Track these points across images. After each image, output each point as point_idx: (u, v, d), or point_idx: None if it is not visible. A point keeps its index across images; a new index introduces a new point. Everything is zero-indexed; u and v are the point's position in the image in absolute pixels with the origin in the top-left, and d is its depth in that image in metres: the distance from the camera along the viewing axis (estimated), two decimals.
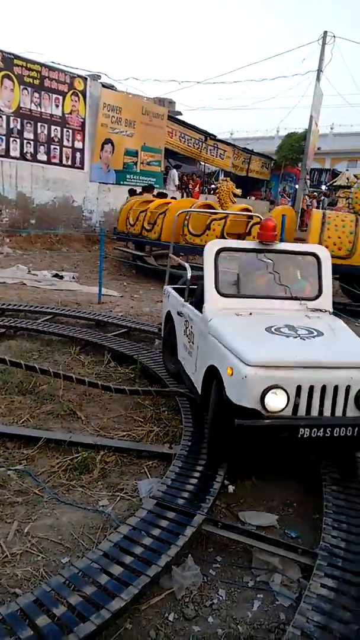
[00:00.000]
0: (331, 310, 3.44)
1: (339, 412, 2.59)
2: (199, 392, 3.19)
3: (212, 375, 2.87)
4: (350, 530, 2.40)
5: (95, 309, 6.88)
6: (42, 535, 2.36)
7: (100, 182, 14.95)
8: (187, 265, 3.97)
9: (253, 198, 24.61)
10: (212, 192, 21.47)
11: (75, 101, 13.58)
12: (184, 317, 3.74)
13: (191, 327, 3.53)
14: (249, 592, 2.15)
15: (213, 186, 22.80)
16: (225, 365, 2.65)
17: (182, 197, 18.58)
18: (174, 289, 4.42)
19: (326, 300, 3.44)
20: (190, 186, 19.17)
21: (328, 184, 26.01)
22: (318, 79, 17.99)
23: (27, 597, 1.87)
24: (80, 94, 13.66)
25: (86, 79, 13.90)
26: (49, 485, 2.75)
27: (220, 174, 23.66)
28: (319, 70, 17.77)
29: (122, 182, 15.80)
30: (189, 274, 3.84)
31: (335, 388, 2.57)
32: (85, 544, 2.33)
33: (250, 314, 3.15)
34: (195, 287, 3.73)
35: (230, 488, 2.84)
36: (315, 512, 2.68)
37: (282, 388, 2.47)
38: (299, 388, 2.52)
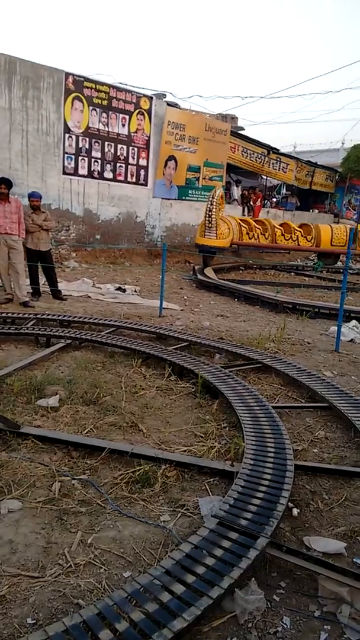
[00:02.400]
0: None
1: None
2: None
3: None
4: None
5: (156, 322, 6.96)
6: (105, 547, 2.38)
7: (162, 198, 15.25)
8: None
9: (317, 211, 24.15)
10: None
11: (141, 120, 13.99)
12: None
13: None
14: (314, 622, 2.05)
15: (275, 199, 22.62)
16: None
17: (243, 212, 18.57)
18: None
19: None
20: (252, 201, 19.09)
21: None
22: None
23: (90, 609, 1.88)
24: (145, 113, 14.06)
25: (152, 98, 14.31)
26: (111, 496, 2.78)
27: (282, 188, 23.44)
28: None
29: (184, 198, 16.04)
30: None
31: None
32: (146, 559, 2.32)
33: None
34: None
35: (295, 511, 2.74)
36: None
37: None
38: None
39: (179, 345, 5.58)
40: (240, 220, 14.60)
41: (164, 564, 2.14)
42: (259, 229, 14.67)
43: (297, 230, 15.65)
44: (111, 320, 6.56)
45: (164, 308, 7.64)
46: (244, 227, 14.13)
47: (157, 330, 6.12)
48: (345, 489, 3.01)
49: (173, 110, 15.12)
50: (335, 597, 2.13)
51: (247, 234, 14.21)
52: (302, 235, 15.70)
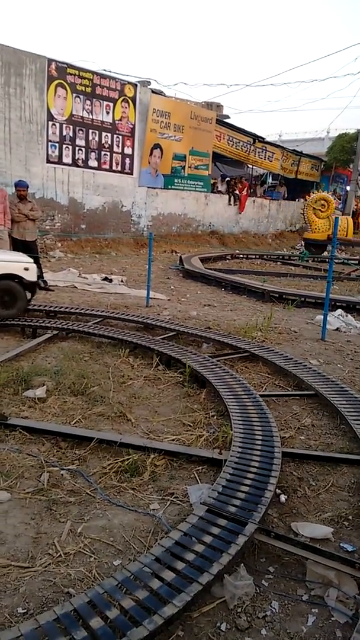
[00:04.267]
0: None
1: None
2: None
3: None
4: None
5: (143, 312, 6.95)
6: (95, 536, 2.38)
7: (148, 187, 15.14)
8: None
9: (302, 201, 24.20)
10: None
11: (126, 107, 13.82)
12: None
13: None
14: (303, 606, 2.08)
15: (263, 189, 22.57)
16: None
17: (229, 201, 18.53)
18: None
19: None
20: (238, 190, 19.04)
21: None
22: None
23: (81, 598, 1.89)
24: (130, 101, 13.89)
25: (136, 85, 14.13)
26: (100, 486, 2.79)
27: (268, 177, 23.42)
28: None
29: (169, 187, 15.95)
30: None
31: None
32: (136, 547, 2.34)
33: None
34: None
35: (282, 498, 2.78)
36: None
37: None
38: None
39: (167, 335, 5.58)
40: None
41: (153, 552, 2.16)
42: None
43: None
44: (98, 310, 6.53)
45: (151, 298, 7.62)
46: None
47: (145, 320, 6.11)
48: (332, 475, 3.05)
49: (158, 98, 14.95)
50: (323, 581, 2.17)
51: None
52: None
